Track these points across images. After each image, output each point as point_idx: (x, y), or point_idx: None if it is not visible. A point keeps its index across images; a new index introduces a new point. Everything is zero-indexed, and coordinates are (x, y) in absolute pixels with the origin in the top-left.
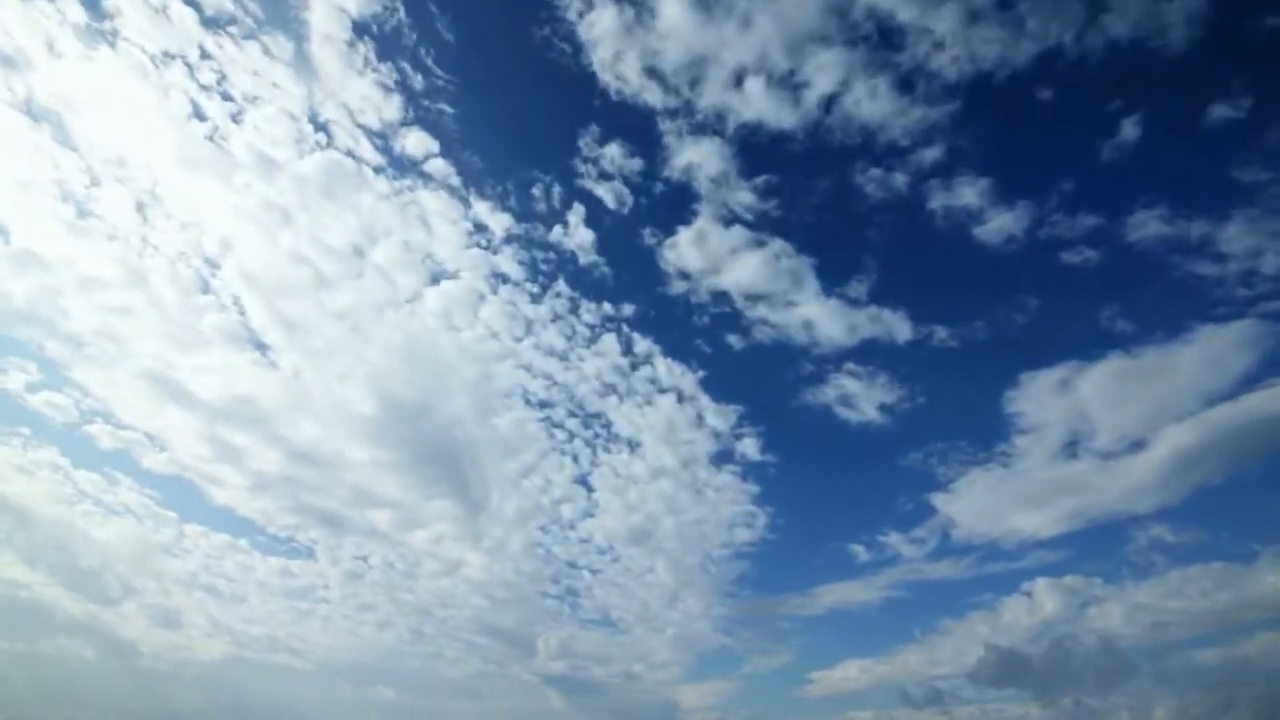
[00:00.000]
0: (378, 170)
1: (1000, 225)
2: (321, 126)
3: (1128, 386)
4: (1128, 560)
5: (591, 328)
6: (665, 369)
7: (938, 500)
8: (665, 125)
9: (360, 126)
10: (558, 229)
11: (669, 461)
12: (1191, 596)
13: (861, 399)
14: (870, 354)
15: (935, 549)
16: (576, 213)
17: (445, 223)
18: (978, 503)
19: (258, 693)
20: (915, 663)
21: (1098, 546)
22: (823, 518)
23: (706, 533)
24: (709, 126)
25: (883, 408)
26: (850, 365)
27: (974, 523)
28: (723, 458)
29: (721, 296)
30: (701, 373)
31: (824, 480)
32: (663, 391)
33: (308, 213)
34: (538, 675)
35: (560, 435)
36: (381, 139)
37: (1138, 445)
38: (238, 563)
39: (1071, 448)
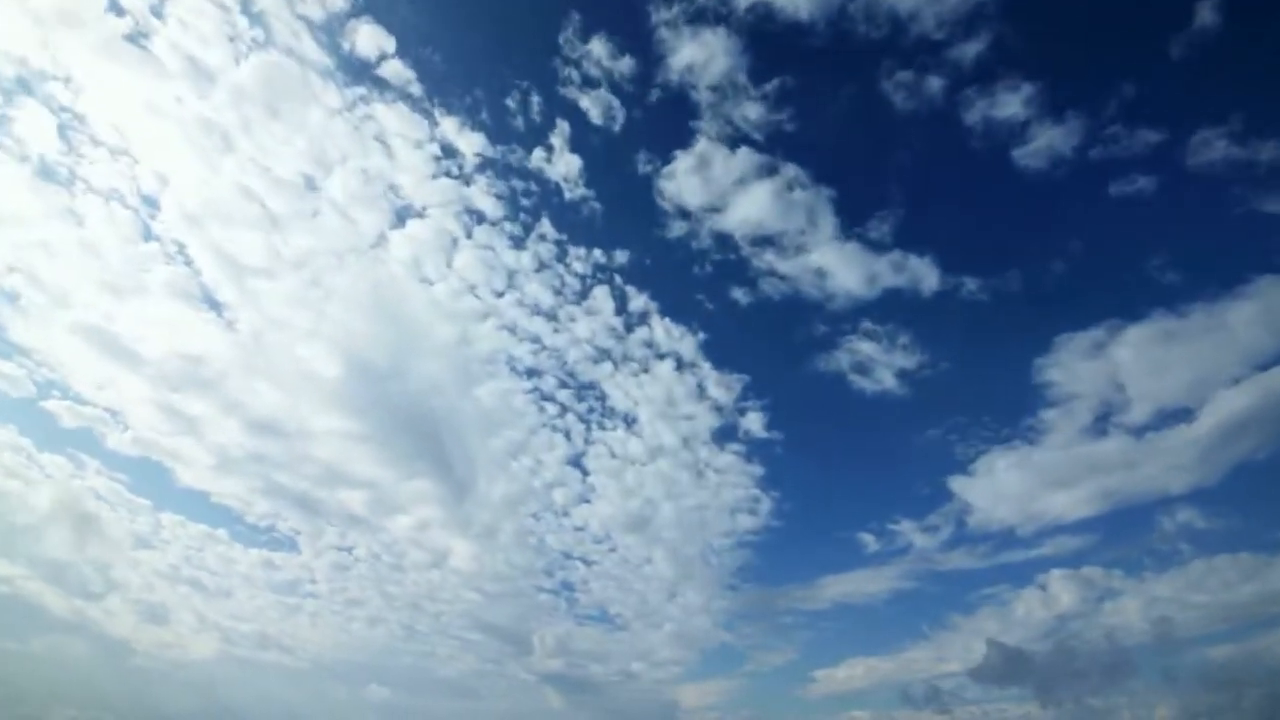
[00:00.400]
0: (325, 75)
1: (1046, 143)
2: (257, 18)
3: (1171, 349)
4: (1152, 549)
5: (582, 279)
6: (663, 331)
7: (955, 484)
8: (660, 14)
9: (301, 19)
10: (538, 153)
11: (668, 440)
12: (1213, 589)
13: (879, 364)
14: (891, 309)
15: (949, 538)
16: (560, 132)
17: (408, 146)
18: (998, 486)
19: (251, 693)
20: (923, 660)
21: (1122, 533)
22: (831, 503)
23: (708, 520)
24: (712, 13)
25: (902, 375)
26: (867, 324)
27: (992, 508)
28: (725, 435)
29: (725, 241)
30: (703, 335)
31: (834, 461)
32: (661, 357)
33: (250, 135)
34: (535, 674)
35: (550, 409)
36: (327, 34)
37: (1177, 416)
38: (219, 554)
39: (1104, 422)
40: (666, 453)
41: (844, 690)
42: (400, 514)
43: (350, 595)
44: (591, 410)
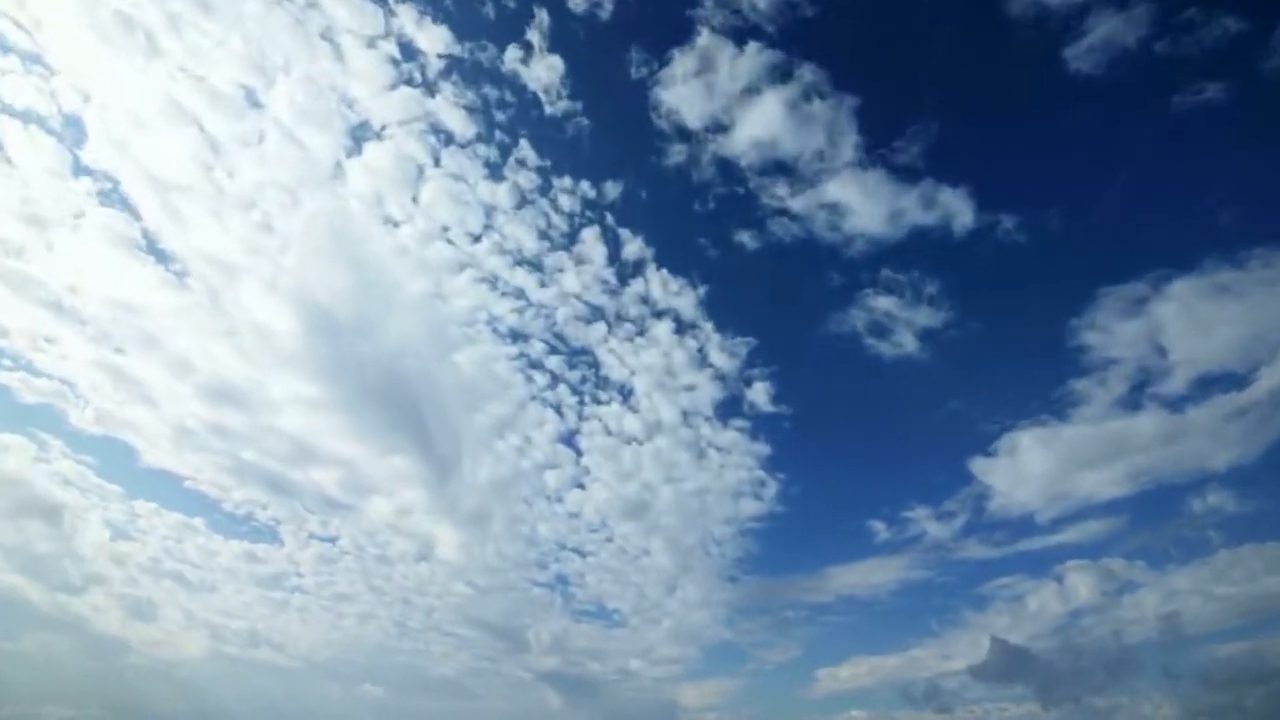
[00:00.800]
0: None
1: (1104, 35)
2: None
3: (1223, 305)
4: (1179, 537)
5: (570, 219)
6: (661, 284)
7: (976, 465)
8: None
9: None
10: (513, 53)
11: (667, 415)
12: (1236, 581)
13: (899, 323)
14: (917, 254)
15: (964, 525)
16: (538, 25)
17: (360, 45)
18: (1021, 468)
19: (245, 693)
20: (931, 658)
21: (1149, 519)
22: (840, 487)
23: (709, 505)
24: None
25: (925, 336)
26: (888, 273)
27: (1013, 492)
28: (729, 410)
29: (730, 171)
30: (704, 288)
31: (845, 440)
32: (658, 315)
33: (177, 32)
34: (532, 672)
35: (539, 379)
36: None
37: (1224, 384)
38: (198, 546)
39: (1139, 392)
40: (666, 430)
41: (849, 689)
42: (379, 495)
43: (338, 590)
44: (585, 380)
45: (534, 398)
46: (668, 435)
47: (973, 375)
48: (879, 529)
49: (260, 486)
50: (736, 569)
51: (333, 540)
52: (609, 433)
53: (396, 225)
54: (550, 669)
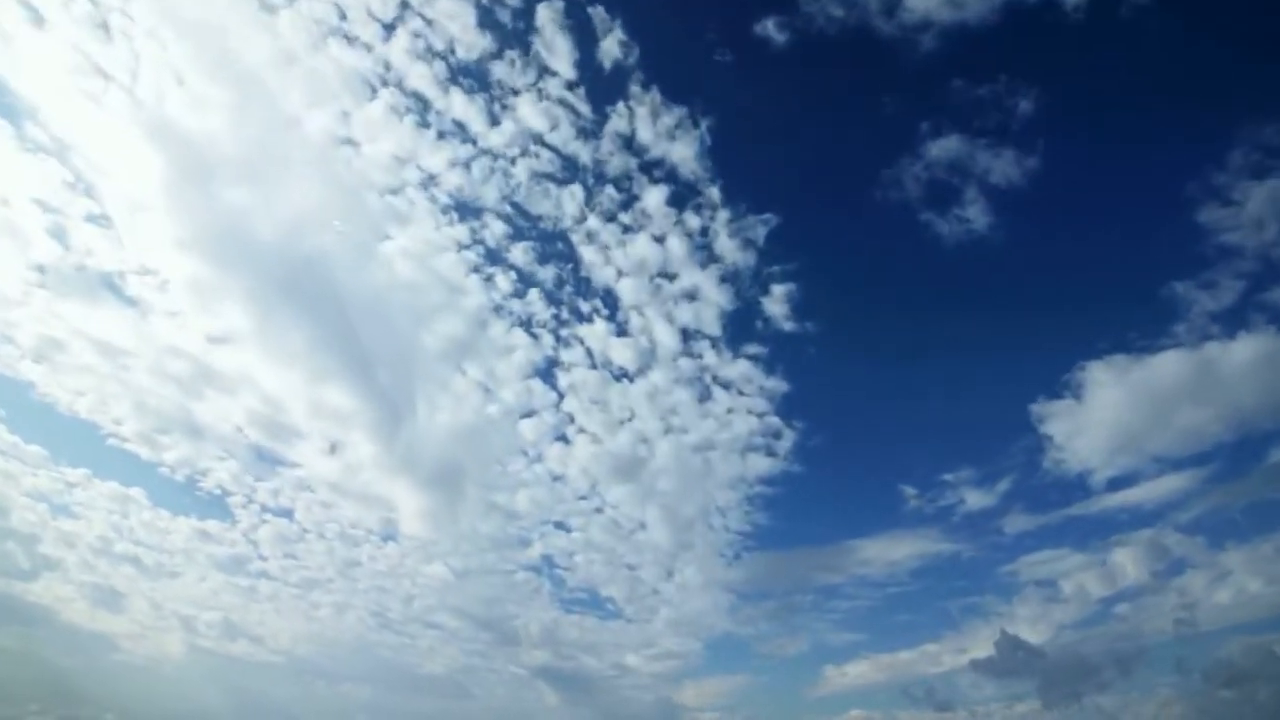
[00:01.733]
0: None
1: None
2: None
3: None
4: (1252, 504)
5: None
6: (650, 116)
7: (1038, 410)
8: None
9: None
10: None
11: (664, 336)
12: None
13: (970, 181)
14: (1008, 48)
15: (1010, 490)
16: None
17: None
18: (1091, 410)
19: (225, 690)
20: (945, 653)
21: (1224, 477)
22: (870, 437)
23: (713, 465)
24: None
25: (1001, 201)
26: (963, 86)
27: (1074, 443)
28: (739, 329)
29: None
30: (708, 123)
31: (880, 369)
32: (649, 172)
33: None
34: (526, 668)
35: (502, 282)
36: None
37: None
38: (144, 523)
39: (1249, 300)
40: (662, 359)
41: (858, 685)
42: (316, 443)
43: (307, 575)
44: (561, 283)
45: (496, 309)
46: (664, 368)
47: (1056, 270)
48: (909, 496)
49: (178, 432)
50: (741, 545)
51: (288, 514)
52: (593, 363)
53: (273, 11)
54: (544, 664)
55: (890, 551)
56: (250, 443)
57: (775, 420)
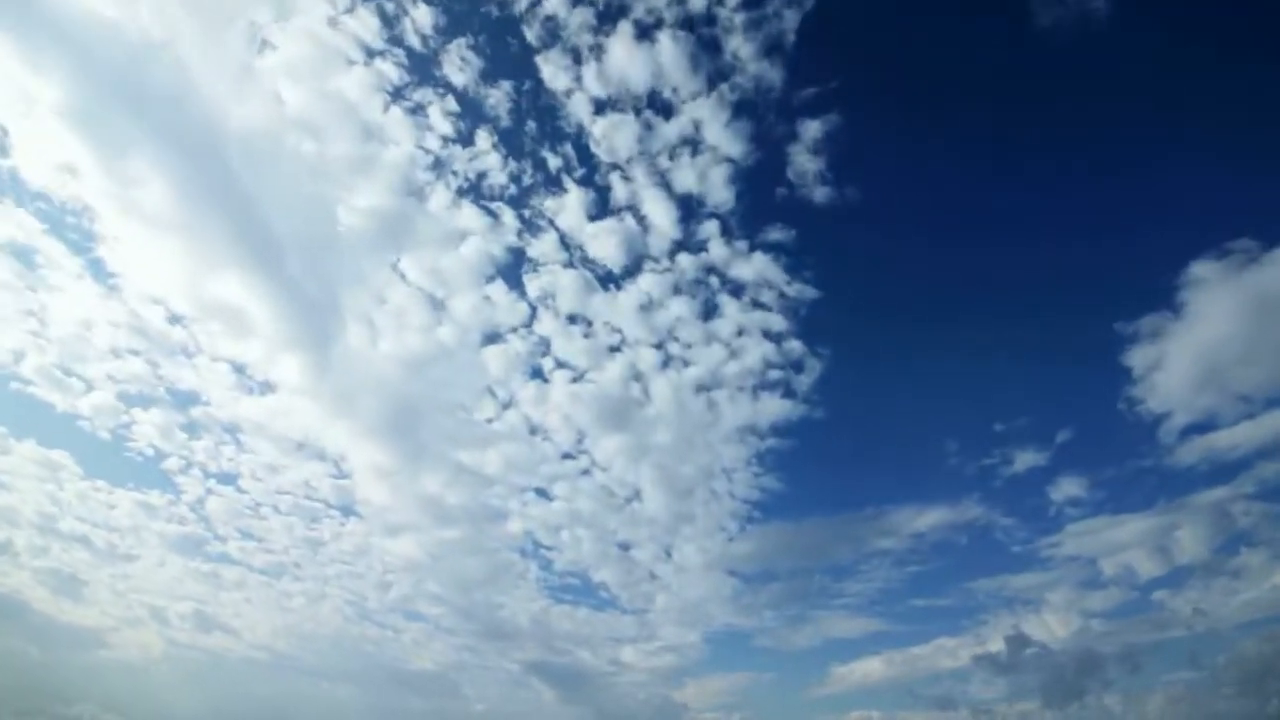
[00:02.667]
0: None
1: None
2: None
3: None
4: None
5: None
6: None
7: (1128, 331)
8: None
9: None
10: None
11: (656, 209)
12: None
13: None
14: None
15: (1070, 444)
16: None
17: None
18: (1199, 330)
19: (213, 689)
20: (960, 648)
21: None
22: (916, 365)
23: (719, 407)
24: None
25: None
26: None
27: (1163, 383)
28: (758, 200)
29: None
30: None
31: (934, 272)
32: None
33: None
34: (519, 663)
35: (438, 116)
36: None
37: None
38: (79, 494)
39: None
40: (656, 251)
41: (868, 683)
42: (225, 365)
43: (271, 559)
44: (520, 117)
45: (435, 165)
46: (659, 266)
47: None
48: (949, 452)
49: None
50: (747, 517)
51: (233, 481)
52: (570, 257)
53: None
54: (536, 659)
55: (916, 521)
56: (148, 374)
57: (796, 345)
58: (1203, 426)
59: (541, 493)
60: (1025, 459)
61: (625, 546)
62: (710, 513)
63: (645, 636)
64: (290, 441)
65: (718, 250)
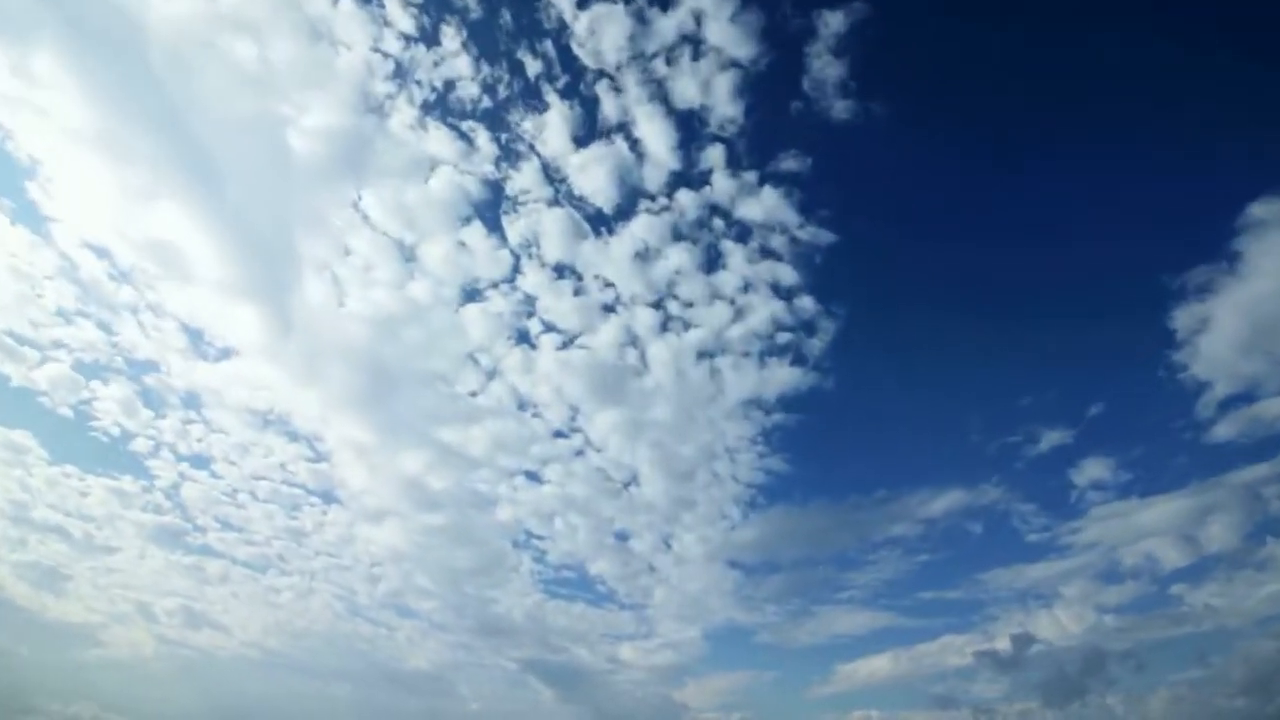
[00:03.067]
0: None
1: None
2: None
3: None
4: None
5: None
6: None
7: (1177, 284)
8: None
9: None
10: None
11: (651, 129)
12: None
13: None
14: None
15: (1100, 420)
16: None
17: None
18: (1257, 283)
19: (204, 687)
20: (973, 644)
21: None
22: (940, 325)
23: (723, 377)
24: None
25: None
26: None
27: (1210, 347)
28: (769, 120)
29: None
30: None
31: (976, 195)
32: None
33: None
34: (515, 661)
35: (401, 18)
36: None
37: None
38: (49, 480)
39: None
40: (652, 186)
41: (873, 682)
42: (176, 325)
43: (254, 551)
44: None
45: (393, 76)
46: (657, 205)
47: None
48: (970, 428)
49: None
50: (750, 504)
51: (206, 465)
52: (555, 193)
53: None
54: (533, 657)
55: (929, 505)
56: (102, 340)
57: (808, 302)
58: (1245, 397)
59: (532, 476)
60: (1051, 437)
61: (622, 536)
62: (712, 498)
63: (644, 633)
64: (257, 415)
65: (722, 184)
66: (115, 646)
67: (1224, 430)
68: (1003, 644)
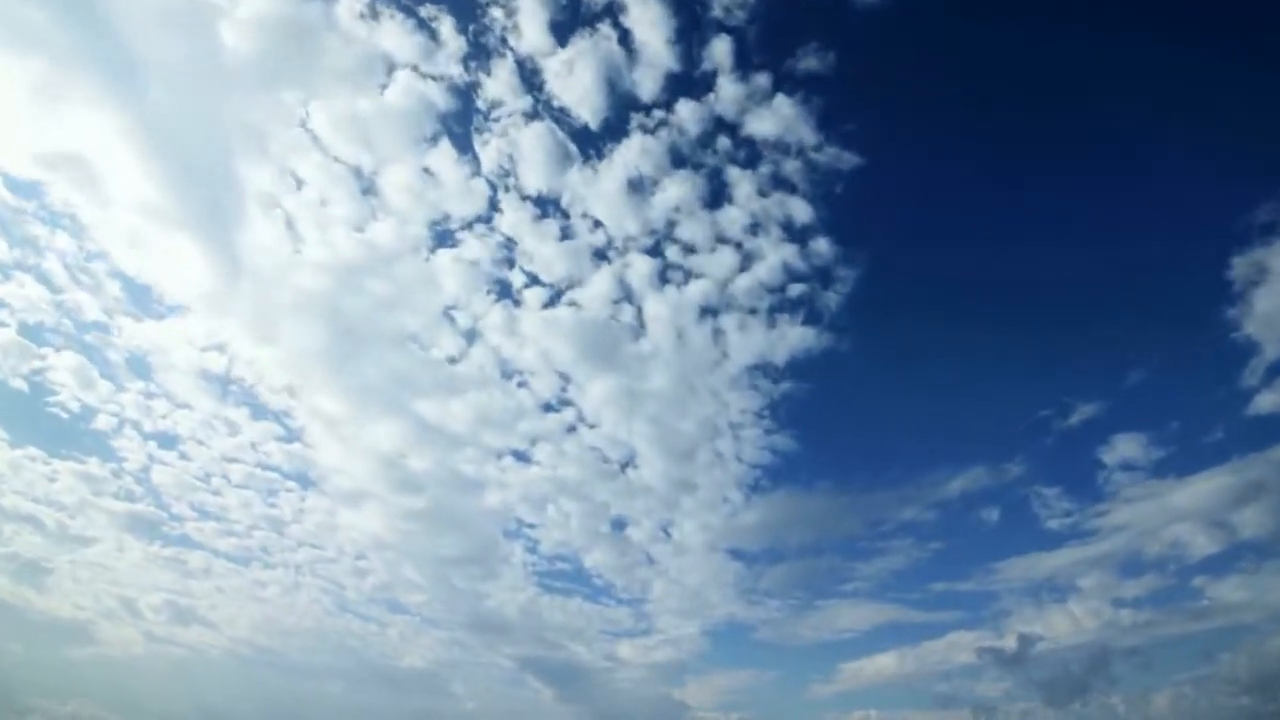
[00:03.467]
0: None
1: None
2: None
3: None
4: None
5: None
6: None
7: (1248, 256)
8: None
9: None
10: None
11: (645, 25)
12: None
13: None
14: None
15: (1141, 388)
16: None
17: None
18: None
19: (196, 685)
20: (985, 640)
21: None
22: (963, 272)
23: (727, 338)
24: None
25: None
26: None
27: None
28: (780, 12)
29: None
30: None
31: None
32: None
33: None
34: (512, 659)
35: None
36: None
37: None
38: (10, 463)
39: None
40: (646, 95)
41: (878, 681)
42: (118, 282)
43: (235, 542)
44: None
45: None
46: (650, 115)
47: None
48: (996, 400)
49: None
50: (753, 487)
51: (174, 445)
52: (535, 104)
53: None
54: (529, 655)
55: (946, 486)
56: (43, 298)
57: (824, 245)
58: None
59: (521, 456)
60: (1084, 411)
61: (619, 524)
62: (713, 480)
63: (643, 629)
64: (215, 382)
65: (729, 91)
66: (108, 644)
67: (1269, 400)
68: (1011, 641)
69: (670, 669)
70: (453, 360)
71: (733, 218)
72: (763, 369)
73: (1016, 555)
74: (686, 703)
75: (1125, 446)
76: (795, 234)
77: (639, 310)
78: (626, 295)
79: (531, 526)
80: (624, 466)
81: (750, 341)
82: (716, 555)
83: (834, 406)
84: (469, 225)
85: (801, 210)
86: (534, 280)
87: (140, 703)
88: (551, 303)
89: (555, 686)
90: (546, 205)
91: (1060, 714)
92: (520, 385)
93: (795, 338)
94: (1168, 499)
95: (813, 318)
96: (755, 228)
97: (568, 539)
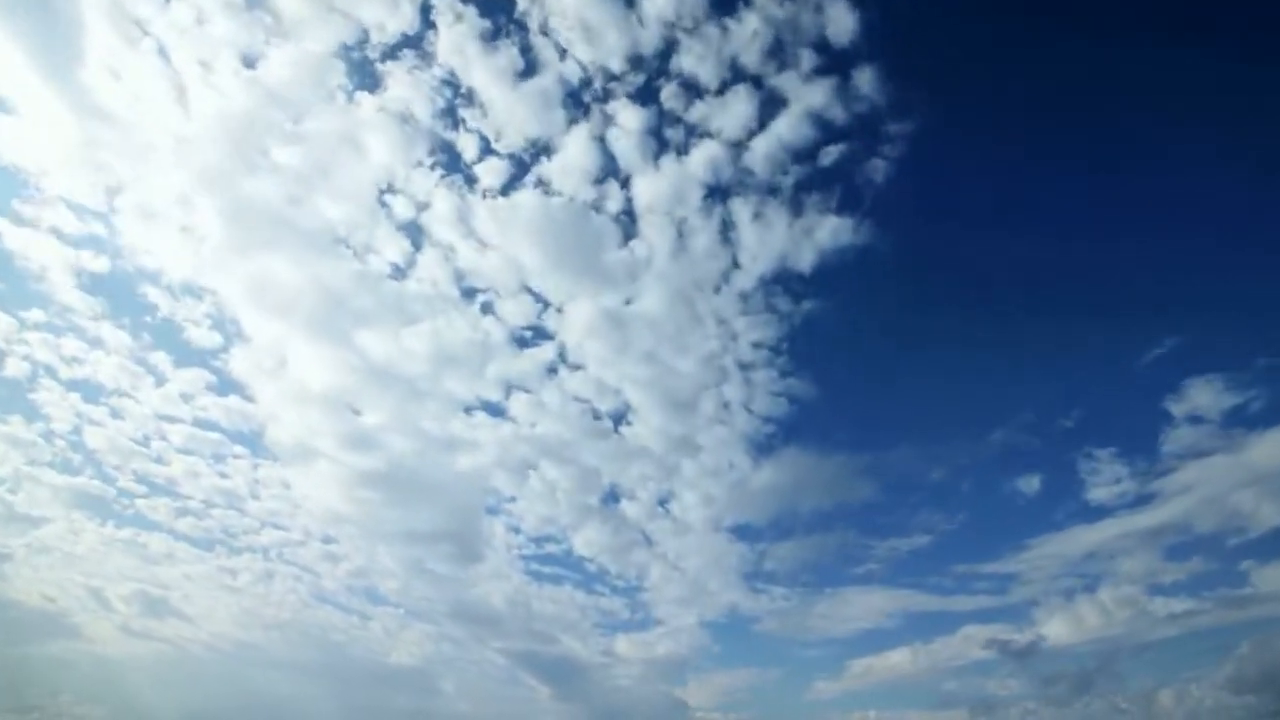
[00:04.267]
0: None
1: None
2: None
3: None
4: None
5: None
6: None
7: None
8: None
9: None
10: None
11: None
12: None
13: None
14: None
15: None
16: None
17: None
18: None
19: (176, 683)
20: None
21: None
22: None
23: (738, 233)
24: None
25: None
26: None
27: None
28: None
29: None
30: None
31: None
32: None
33: None
34: (505, 655)
35: None
36: None
37: None
38: None
39: None
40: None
41: (888, 678)
42: None
43: (196, 525)
44: None
45: None
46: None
47: None
48: (1051, 322)
49: None
50: (763, 445)
51: (97, 397)
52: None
53: None
54: (523, 650)
55: (983, 442)
56: None
57: (868, 78)
58: None
59: (495, 410)
60: (1157, 350)
61: (612, 496)
62: (718, 439)
63: (640, 622)
64: (99, 281)
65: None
66: (88, 640)
67: None
68: (1031, 635)
69: (671, 666)
70: (399, 272)
71: (750, 31)
72: (782, 281)
73: (1054, 531)
74: (687, 702)
75: (1199, 393)
76: (832, 61)
77: (627, 195)
78: (611, 169)
79: (512, 500)
80: (616, 422)
81: (769, 238)
82: (719, 535)
83: (864, 332)
84: (394, 52)
85: (843, 21)
86: (488, 148)
87: (129, 702)
88: (514, 182)
89: (551, 684)
90: (497, 16)
91: (1084, 713)
92: (484, 308)
93: (826, 232)
94: (1240, 456)
95: (849, 200)
96: (779, 51)
97: (554, 515)
